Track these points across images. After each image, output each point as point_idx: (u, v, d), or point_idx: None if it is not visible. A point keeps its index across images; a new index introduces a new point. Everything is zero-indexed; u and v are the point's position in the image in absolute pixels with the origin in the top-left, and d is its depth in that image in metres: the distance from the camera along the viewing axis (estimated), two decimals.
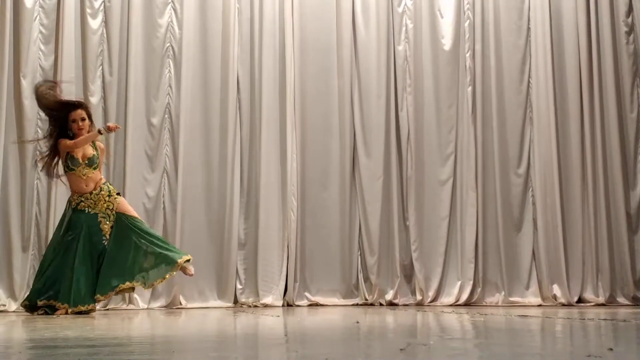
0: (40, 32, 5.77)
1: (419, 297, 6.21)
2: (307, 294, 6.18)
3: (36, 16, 5.76)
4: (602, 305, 6.12)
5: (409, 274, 6.31)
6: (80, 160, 4.99)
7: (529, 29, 6.57)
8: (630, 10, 6.50)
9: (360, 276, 6.29)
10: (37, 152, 5.33)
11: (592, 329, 3.42)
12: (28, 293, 5.06)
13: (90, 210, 4.97)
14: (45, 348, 2.61)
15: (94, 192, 4.98)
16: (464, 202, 6.38)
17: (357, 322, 3.91)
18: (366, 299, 6.24)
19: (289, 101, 6.28)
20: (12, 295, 5.50)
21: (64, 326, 3.72)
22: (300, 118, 6.34)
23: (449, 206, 6.39)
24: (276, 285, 6.07)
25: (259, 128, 6.21)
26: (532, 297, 6.26)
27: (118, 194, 5.09)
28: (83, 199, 4.98)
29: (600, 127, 6.39)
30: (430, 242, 6.33)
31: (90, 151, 5.03)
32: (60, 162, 5.04)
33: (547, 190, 6.38)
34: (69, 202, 5.05)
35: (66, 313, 4.76)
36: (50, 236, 5.58)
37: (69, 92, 5.76)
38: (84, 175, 4.98)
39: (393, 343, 2.61)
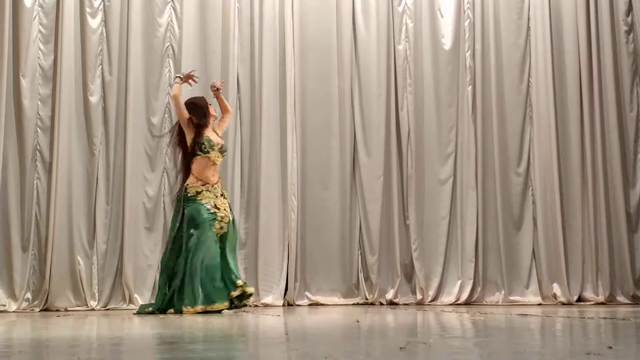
0: (40, 31, 5.76)
1: (419, 297, 6.20)
2: (307, 293, 6.18)
3: (35, 15, 5.76)
4: (602, 304, 6.12)
5: (409, 273, 6.31)
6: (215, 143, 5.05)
7: (529, 28, 6.56)
8: (630, 9, 6.49)
9: (361, 275, 6.29)
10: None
11: (591, 328, 3.42)
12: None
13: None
14: (46, 347, 2.61)
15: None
16: (464, 201, 6.38)
17: (358, 321, 3.91)
18: (366, 299, 6.24)
19: (289, 100, 6.28)
20: (12, 295, 5.49)
21: (63, 325, 3.72)
22: (301, 117, 6.34)
23: (449, 205, 6.38)
24: (276, 284, 6.06)
25: (259, 127, 6.21)
26: (532, 296, 6.25)
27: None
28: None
29: (600, 126, 6.39)
30: (430, 242, 6.33)
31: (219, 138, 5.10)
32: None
33: (547, 189, 6.37)
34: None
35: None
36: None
37: (69, 86, 5.77)
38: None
39: (393, 342, 2.61)
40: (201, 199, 4.94)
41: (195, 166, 5.03)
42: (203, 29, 6.21)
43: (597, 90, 6.41)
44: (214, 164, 5.07)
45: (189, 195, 4.97)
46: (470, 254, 6.28)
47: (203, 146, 5.00)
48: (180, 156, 5.16)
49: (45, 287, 5.51)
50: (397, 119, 6.45)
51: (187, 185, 5.01)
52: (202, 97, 5.28)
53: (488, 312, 4.74)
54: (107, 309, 5.63)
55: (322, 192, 6.34)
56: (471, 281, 6.24)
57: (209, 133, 5.10)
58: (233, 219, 5.08)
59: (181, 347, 2.57)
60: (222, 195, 5.06)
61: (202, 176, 5.01)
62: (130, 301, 5.71)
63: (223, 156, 5.18)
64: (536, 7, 6.53)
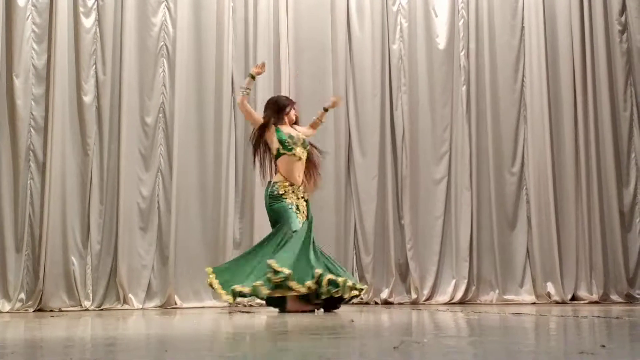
0: (33, 31, 5.74)
1: (414, 296, 6.21)
2: None
3: (29, 15, 5.73)
4: (596, 302, 6.14)
5: (404, 273, 6.31)
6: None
7: (523, 28, 6.58)
8: (623, 9, 6.51)
9: (356, 275, 6.29)
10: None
11: (585, 327, 3.43)
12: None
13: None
14: (40, 348, 2.60)
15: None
16: (458, 201, 6.39)
17: (352, 321, 3.91)
18: (361, 298, 6.23)
19: None
20: (5, 295, 5.47)
21: (57, 325, 3.71)
22: None
23: (443, 205, 6.40)
24: None
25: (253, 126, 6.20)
26: (526, 295, 6.27)
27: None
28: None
29: (593, 126, 6.41)
30: (425, 241, 6.34)
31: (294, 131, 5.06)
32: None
33: (541, 188, 6.39)
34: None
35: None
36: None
37: (62, 86, 5.76)
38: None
39: (388, 341, 2.61)
40: (285, 198, 4.92)
41: (283, 165, 4.98)
42: (197, 29, 6.20)
43: (591, 90, 6.43)
44: (300, 159, 5.00)
45: (274, 193, 4.93)
46: (465, 253, 6.29)
47: (287, 143, 4.97)
48: (265, 157, 5.08)
49: (39, 287, 5.49)
50: (391, 119, 6.45)
51: (276, 182, 4.96)
52: (286, 96, 5.37)
53: (482, 311, 4.75)
54: (102, 309, 5.62)
55: (316, 192, 6.32)
56: (465, 280, 6.26)
57: (289, 130, 5.06)
58: (310, 221, 4.96)
59: (174, 346, 2.56)
60: (303, 197, 5.03)
61: (290, 176, 4.95)
62: (125, 301, 5.70)
63: (307, 149, 5.07)
64: (530, 6, 6.55)
